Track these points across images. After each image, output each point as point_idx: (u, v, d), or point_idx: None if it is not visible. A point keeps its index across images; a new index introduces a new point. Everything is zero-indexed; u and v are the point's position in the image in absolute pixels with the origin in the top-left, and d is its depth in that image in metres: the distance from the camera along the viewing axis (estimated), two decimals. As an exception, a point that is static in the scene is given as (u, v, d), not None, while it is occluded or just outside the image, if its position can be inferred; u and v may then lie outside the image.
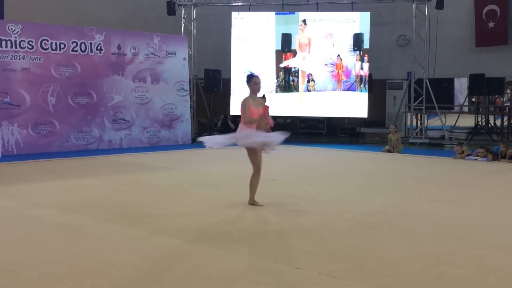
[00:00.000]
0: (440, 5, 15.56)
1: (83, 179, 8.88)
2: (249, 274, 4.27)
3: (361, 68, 16.21)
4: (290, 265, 4.44)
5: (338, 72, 16.42)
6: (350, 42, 16.26)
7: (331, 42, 16.41)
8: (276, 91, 16.52)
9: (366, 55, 16.25)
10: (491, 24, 16.86)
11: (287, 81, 16.54)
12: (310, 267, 4.39)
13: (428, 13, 15.91)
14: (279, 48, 16.48)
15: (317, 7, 17.14)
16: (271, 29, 16.61)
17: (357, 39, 16.21)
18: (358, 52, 16.23)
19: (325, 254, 4.80)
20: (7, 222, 5.89)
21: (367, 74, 16.27)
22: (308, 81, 16.45)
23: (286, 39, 16.43)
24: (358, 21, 16.30)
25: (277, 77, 16.55)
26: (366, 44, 16.23)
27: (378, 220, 6.12)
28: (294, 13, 16.64)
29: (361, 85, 16.24)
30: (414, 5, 16.01)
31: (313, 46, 16.39)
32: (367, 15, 16.37)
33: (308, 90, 16.47)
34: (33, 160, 11.23)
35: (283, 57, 16.51)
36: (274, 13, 16.73)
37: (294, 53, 16.44)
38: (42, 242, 5.12)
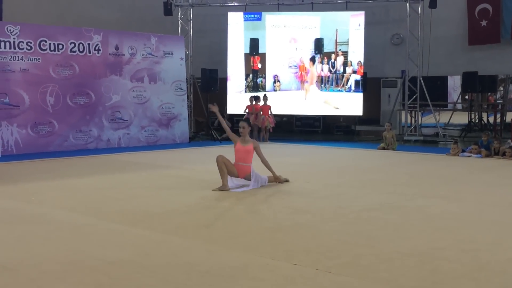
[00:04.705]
0: (433, 4, 15.67)
1: (82, 178, 8.93)
2: (246, 270, 4.30)
3: (322, 70, 16.86)
4: (287, 261, 4.48)
5: (301, 73, 17.14)
6: (311, 46, 16.94)
7: (295, 46, 17.10)
8: (246, 91, 17.17)
9: (339, 55, 16.59)
10: (484, 23, 16.98)
11: (255, 82, 17.22)
12: (307, 263, 4.43)
13: (421, 12, 16.02)
14: (247, 51, 17.18)
15: (312, 7, 17.27)
16: (240, 32, 17.22)
17: (318, 43, 16.90)
18: (319, 55, 16.87)
19: (321, 250, 4.84)
20: (7, 221, 5.92)
21: (327, 75, 16.83)
22: (274, 82, 17.18)
23: (254, 44, 17.11)
24: (319, 27, 16.86)
25: (246, 78, 17.20)
26: (327, 48, 16.79)
27: (373, 216, 6.19)
28: (260, 19, 17.09)
29: (322, 85, 16.85)
30: (407, 4, 16.12)
31: (279, 49, 17.07)
32: (327, 20, 16.80)
33: (274, 90, 17.11)
34: (33, 159, 11.27)
35: (251, 60, 17.10)
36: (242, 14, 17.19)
37: (262, 56, 17.10)
38: (42, 241, 5.15)
